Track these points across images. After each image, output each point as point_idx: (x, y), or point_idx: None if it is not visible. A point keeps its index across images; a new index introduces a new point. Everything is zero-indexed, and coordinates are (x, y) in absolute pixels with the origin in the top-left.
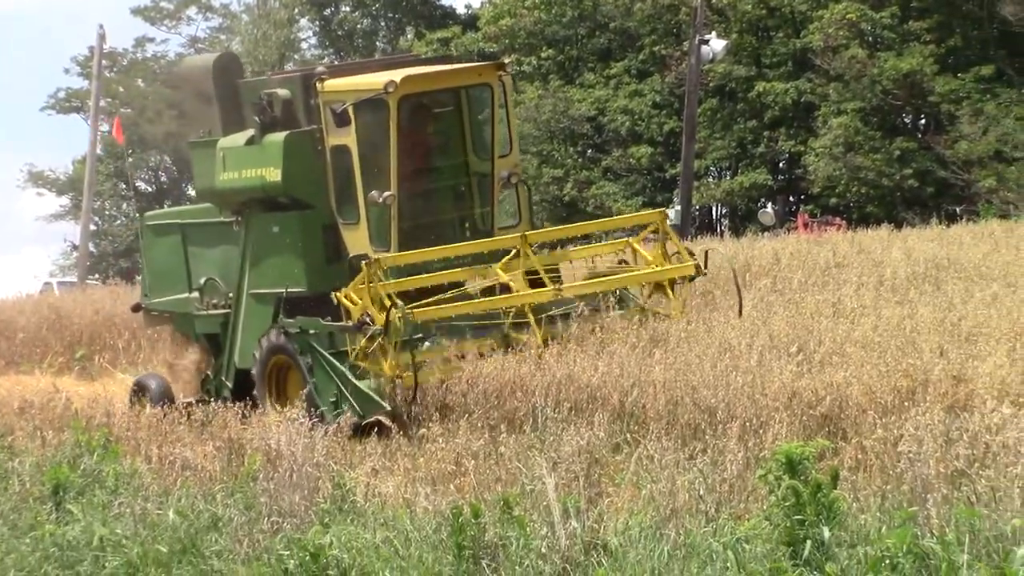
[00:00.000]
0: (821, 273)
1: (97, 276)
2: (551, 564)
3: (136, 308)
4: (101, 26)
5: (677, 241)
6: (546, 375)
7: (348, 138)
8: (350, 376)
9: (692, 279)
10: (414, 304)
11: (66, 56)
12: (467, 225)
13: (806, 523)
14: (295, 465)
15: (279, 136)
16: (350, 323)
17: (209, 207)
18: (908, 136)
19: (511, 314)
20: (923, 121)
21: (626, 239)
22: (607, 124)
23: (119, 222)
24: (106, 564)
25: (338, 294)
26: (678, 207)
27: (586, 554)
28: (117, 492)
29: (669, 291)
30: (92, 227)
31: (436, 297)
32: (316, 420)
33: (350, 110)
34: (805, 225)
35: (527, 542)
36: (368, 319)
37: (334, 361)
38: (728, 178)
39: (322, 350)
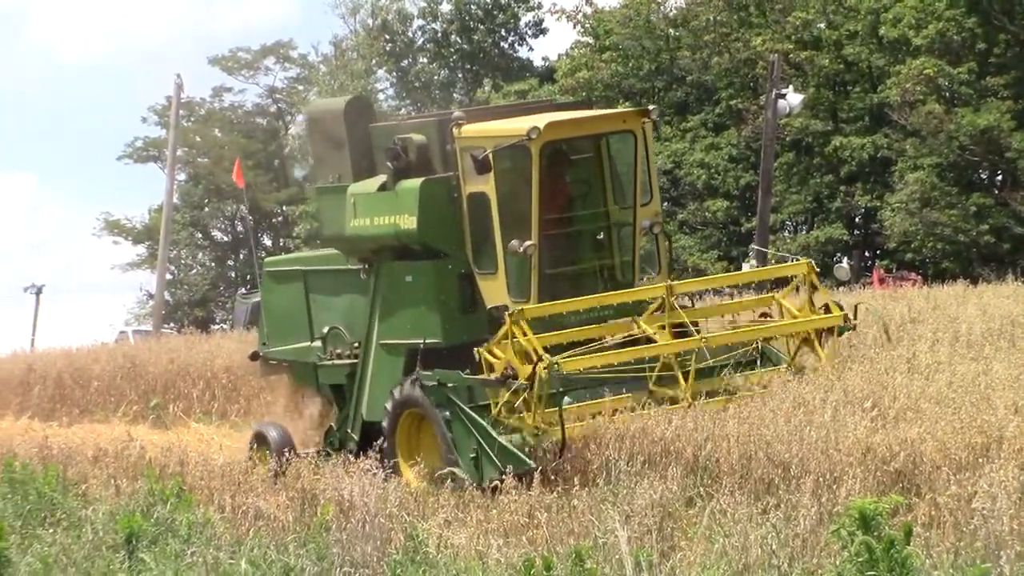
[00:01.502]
0: (896, 328)
1: (172, 325)
2: None
3: (254, 356)
4: (179, 76)
5: (825, 293)
6: (619, 428)
7: (487, 185)
8: (492, 432)
9: (841, 332)
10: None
11: (143, 105)
12: (607, 276)
13: None
14: (368, 516)
15: (415, 183)
16: (492, 376)
17: (333, 253)
18: (985, 192)
19: (656, 368)
20: (1000, 177)
21: (771, 294)
22: (683, 177)
23: (195, 271)
24: None
25: (481, 351)
26: (753, 261)
27: None
28: (190, 541)
29: (816, 343)
30: (168, 276)
31: (578, 349)
32: (452, 476)
33: (491, 157)
34: (880, 280)
35: None
36: (512, 372)
37: (475, 416)
38: (804, 232)
39: (462, 404)
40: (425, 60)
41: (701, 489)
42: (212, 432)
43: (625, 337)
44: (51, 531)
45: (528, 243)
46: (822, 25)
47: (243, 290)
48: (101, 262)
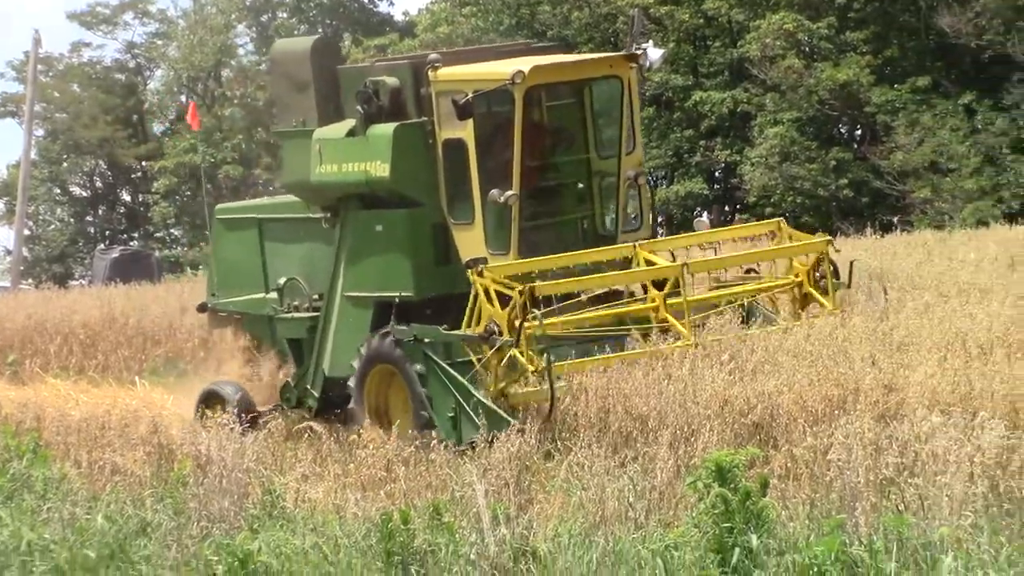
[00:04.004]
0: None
1: (30, 281)
2: (480, 570)
3: (202, 308)
4: (36, 31)
5: (828, 259)
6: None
7: (464, 132)
8: (472, 389)
9: (835, 290)
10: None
11: (0, 60)
12: (588, 228)
13: (735, 531)
14: (225, 470)
15: (387, 128)
16: (473, 332)
17: (290, 201)
18: (844, 146)
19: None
20: (859, 132)
21: (777, 220)
22: None
23: (53, 227)
24: (34, 569)
25: (474, 276)
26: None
27: (515, 561)
28: (46, 497)
29: (815, 293)
30: (26, 232)
31: (561, 307)
32: (426, 436)
33: (472, 101)
34: None
35: (456, 549)
36: (495, 328)
37: (454, 373)
38: (664, 187)
39: (440, 360)
40: (284, 15)
41: (559, 442)
42: (69, 388)
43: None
44: None
45: (509, 193)
46: None
47: (102, 246)
48: None
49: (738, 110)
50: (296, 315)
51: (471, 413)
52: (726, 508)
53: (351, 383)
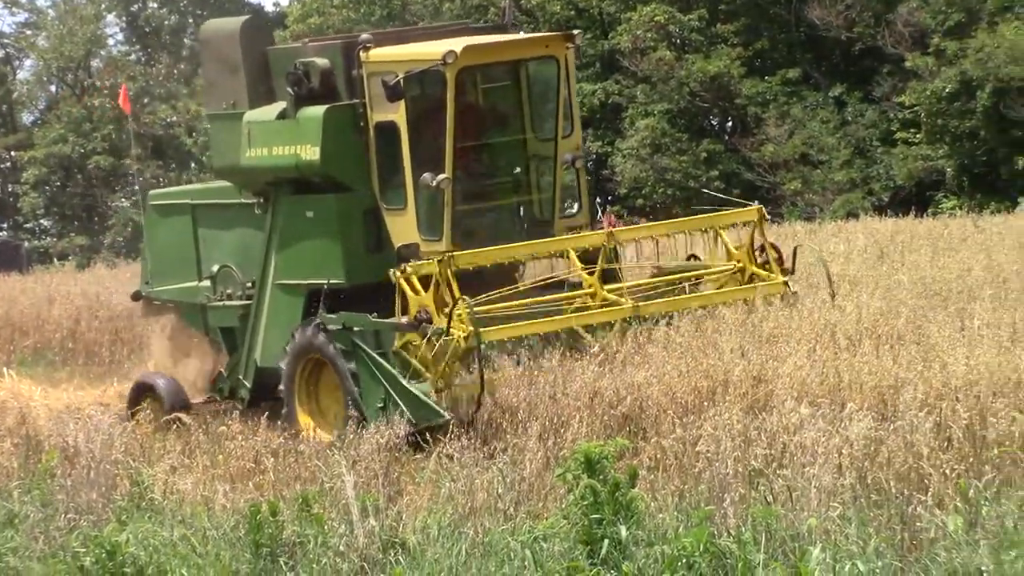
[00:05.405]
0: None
1: None
2: (349, 562)
3: (136, 297)
4: None
5: (766, 241)
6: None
7: (396, 114)
8: (402, 380)
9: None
10: (476, 305)
11: None
12: (525, 212)
13: (604, 522)
14: (93, 462)
15: (317, 110)
16: (403, 320)
17: (224, 186)
18: (715, 138)
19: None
20: (730, 123)
21: (757, 207)
22: None
23: None
24: None
25: (398, 276)
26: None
27: (384, 552)
28: None
29: (760, 271)
30: None
31: (496, 293)
32: (359, 426)
33: (402, 82)
34: (612, 226)
35: (325, 540)
36: (425, 316)
37: (383, 363)
38: None
39: (369, 350)
40: (155, 5)
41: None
42: None
43: (548, 279)
44: None
45: (442, 177)
46: None
47: None
48: None
49: (609, 102)
50: (228, 303)
51: (400, 403)
52: (595, 499)
53: (282, 372)
